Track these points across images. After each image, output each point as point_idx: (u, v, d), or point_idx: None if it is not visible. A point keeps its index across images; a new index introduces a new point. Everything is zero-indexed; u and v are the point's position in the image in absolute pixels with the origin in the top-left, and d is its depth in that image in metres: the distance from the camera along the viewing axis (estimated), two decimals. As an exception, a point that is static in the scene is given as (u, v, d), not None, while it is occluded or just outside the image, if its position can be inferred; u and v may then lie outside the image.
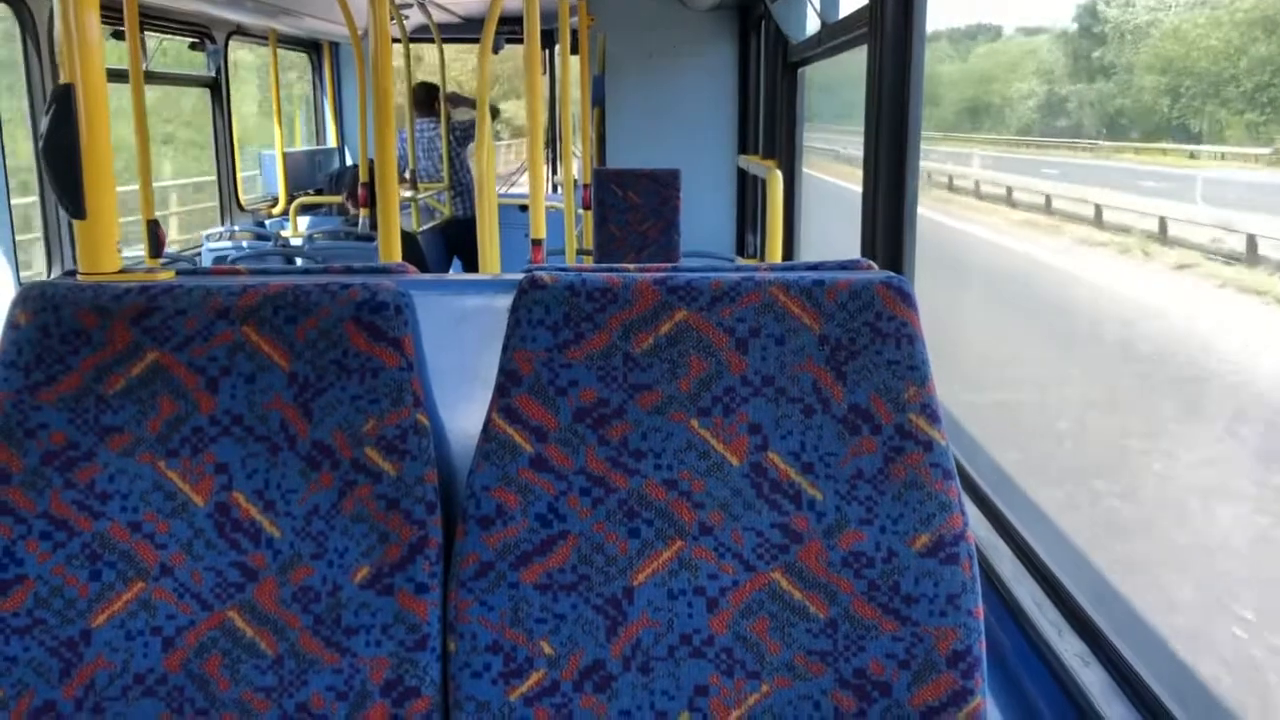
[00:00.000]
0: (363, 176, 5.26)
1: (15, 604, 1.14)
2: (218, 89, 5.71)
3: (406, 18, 6.29)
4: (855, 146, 2.16)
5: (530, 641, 1.14)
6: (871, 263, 1.26)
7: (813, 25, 3.78)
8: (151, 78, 4.95)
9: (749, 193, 5.56)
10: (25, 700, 1.13)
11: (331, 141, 7.52)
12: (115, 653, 1.15)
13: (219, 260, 4.77)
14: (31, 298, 1.18)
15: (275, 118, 6.36)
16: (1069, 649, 1.40)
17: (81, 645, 1.14)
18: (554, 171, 7.47)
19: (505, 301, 1.18)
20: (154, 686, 1.15)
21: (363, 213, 5.35)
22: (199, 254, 5.10)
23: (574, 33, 5.06)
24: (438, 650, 1.15)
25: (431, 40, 6.62)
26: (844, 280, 1.15)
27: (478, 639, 1.14)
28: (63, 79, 1.22)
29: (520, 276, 1.19)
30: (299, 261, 4.82)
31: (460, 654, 1.14)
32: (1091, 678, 1.34)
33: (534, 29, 2.86)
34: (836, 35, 3.13)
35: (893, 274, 1.18)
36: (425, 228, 6.12)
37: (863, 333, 1.14)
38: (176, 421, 1.17)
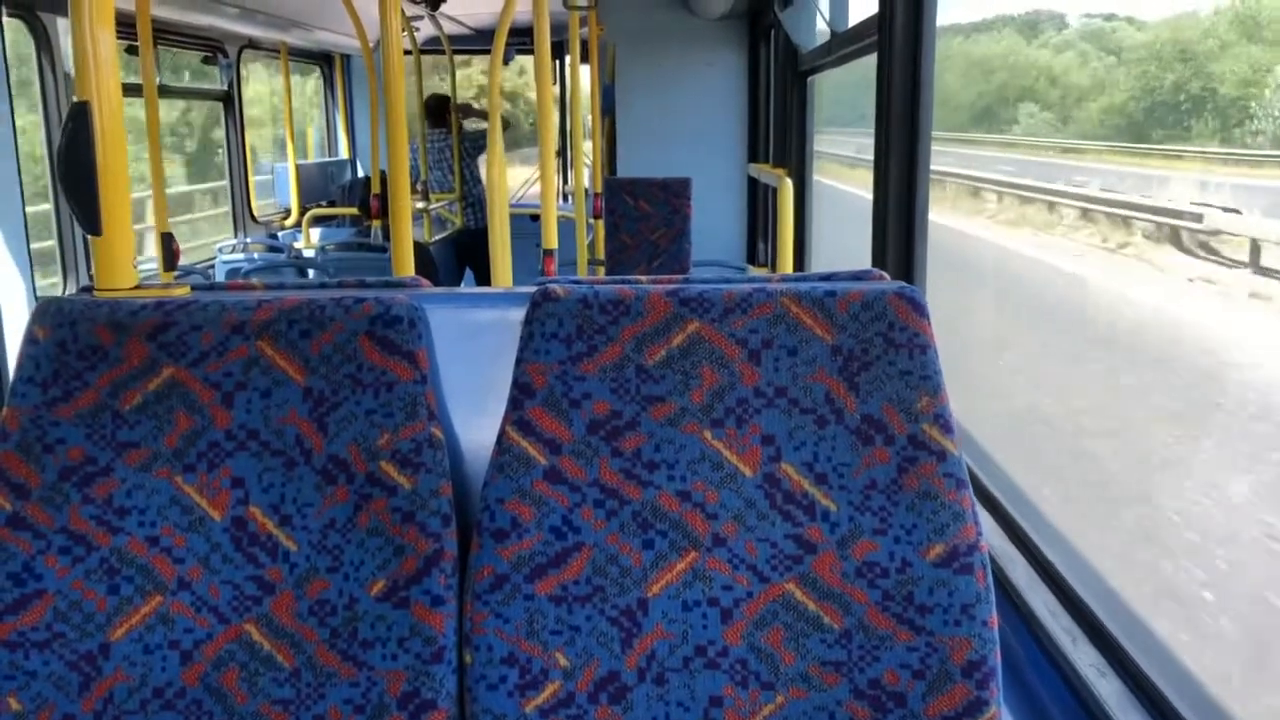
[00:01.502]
0: (374, 188, 5.29)
1: (35, 618, 1.15)
2: (230, 102, 5.75)
3: (417, 30, 6.32)
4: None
5: (546, 653, 1.14)
6: (883, 273, 1.26)
7: (822, 33, 3.78)
8: (165, 92, 4.99)
9: (760, 201, 5.56)
10: (45, 714, 1.14)
11: (343, 153, 7.55)
12: (134, 666, 1.15)
13: (233, 271, 4.80)
14: (49, 313, 1.19)
15: (288, 130, 6.40)
16: (1084, 659, 1.40)
17: (100, 659, 1.15)
18: (565, 181, 7.49)
19: (518, 314, 1.19)
20: (172, 700, 1.15)
21: (375, 224, 5.38)
22: (213, 266, 5.13)
23: (584, 43, 5.07)
24: (454, 663, 1.15)
25: (442, 52, 6.65)
26: (856, 291, 1.15)
27: (493, 651, 1.14)
28: (78, 97, 1.23)
29: (533, 289, 1.19)
30: (312, 273, 4.84)
31: (476, 666, 1.15)
32: (1108, 688, 1.34)
33: (544, 40, 2.88)
34: (846, 43, 3.13)
35: (905, 284, 1.18)
36: (437, 238, 6.15)
37: (875, 343, 1.14)
38: (193, 436, 1.17)
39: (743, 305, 1.16)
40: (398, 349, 1.17)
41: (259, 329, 1.18)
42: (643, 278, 1.24)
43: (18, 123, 3.51)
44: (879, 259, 2.08)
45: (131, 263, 1.27)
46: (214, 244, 5.57)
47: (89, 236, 1.27)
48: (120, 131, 1.25)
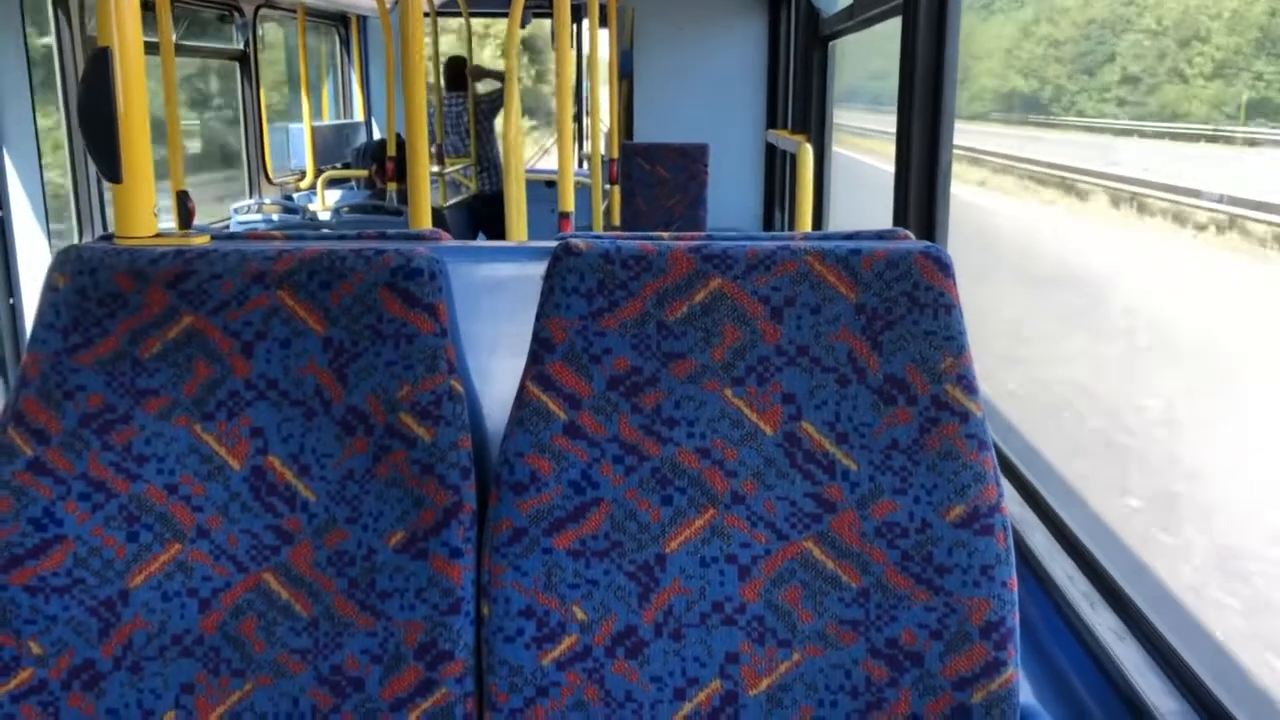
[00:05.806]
0: (390, 150, 5.27)
1: (55, 563, 1.15)
2: (246, 62, 5.72)
3: None
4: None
5: (563, 606, 1.14)
6: (908, 233, 1.24)
7: (844, -3, 3.74)
8: (181, 50, 4.96)
9: (777, 168, 5.52)
10: (65, 659, 1.15)
11: (359, 115, 7.52)
12: (153, 613, 1.16)
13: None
14: (69, 260, 1.18)
15: (303, 91, 6.37)
16: (1102, 623, 1.40)
17: (120, 605, 1.16)
18: (580, 146, 7.46)
19: (538, 269, 1.18)
20: (191, 647, 1.16)
21: (391, 186, 5.36)
22: (228, 226, 5.13)
23: (603, 6, 5.03)
24: (471, 614, 1.16)
25: (459, 13, 6.60)
26: (881, 249, 1.14)
27: (511, 603, 1.15)
28: (99, 43, 1.22)
29: (554, 244, 1.18)
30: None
31: (494, 618, 1.15)
32: (1125, 651, 1.34)
33: (563, 2, 2.85)
34: (869, 6, 3.09)
35: (930, 244, 1.16)
36: (451, 202, 6.13)
37: (900, 302, 1.13)
38: (212, 385, 1.17)
39: (766, 263, 1.15)
40: (418, 301, 1.16)
41: (279, 279, 1.17)
42: (665, 235, 1.22)
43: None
44: (900, 219, 2.06)
45: (152, 211, 1.27)
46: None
47: (109, 184, 1.26)
48: (141, 79, 1.24)
